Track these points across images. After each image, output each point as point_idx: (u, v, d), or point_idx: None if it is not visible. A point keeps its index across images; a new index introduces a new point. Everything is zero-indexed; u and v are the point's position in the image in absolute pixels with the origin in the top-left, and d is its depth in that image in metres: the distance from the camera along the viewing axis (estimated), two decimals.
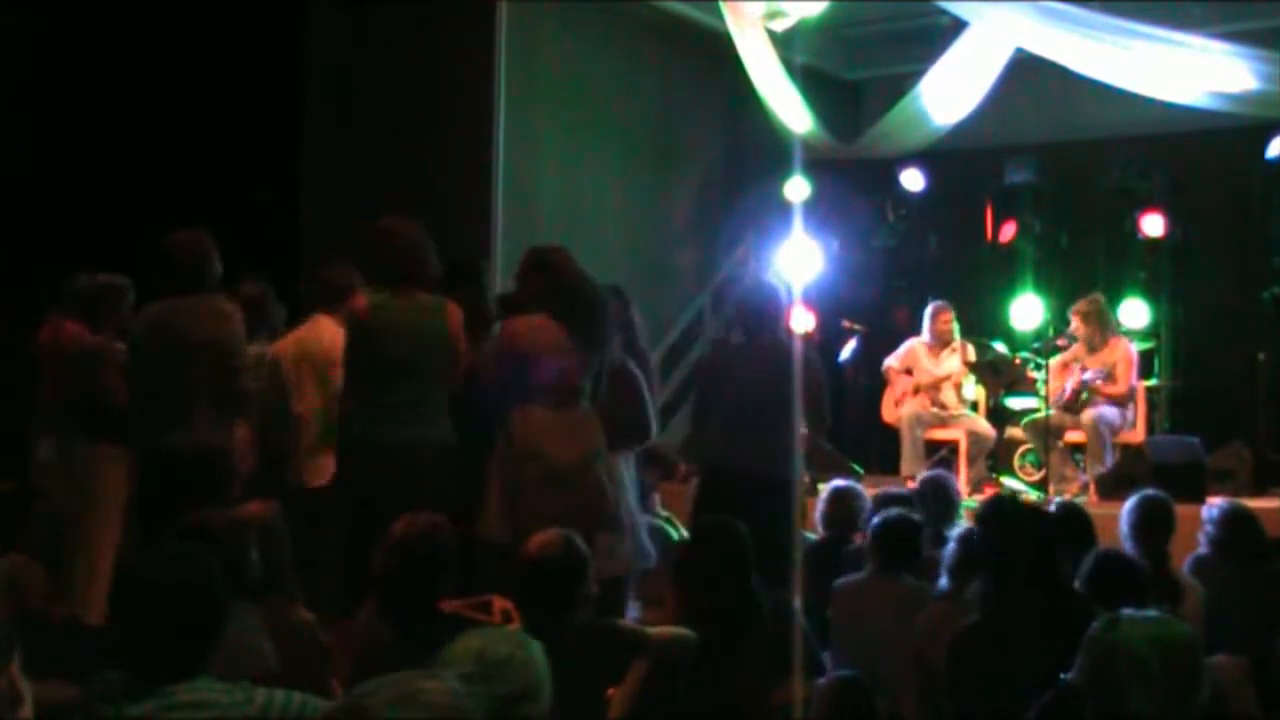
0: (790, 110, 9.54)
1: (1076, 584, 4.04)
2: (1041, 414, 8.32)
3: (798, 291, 9.50)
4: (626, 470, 5.38)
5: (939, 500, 5.71)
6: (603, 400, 5.11)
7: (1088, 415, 8.31)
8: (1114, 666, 2.65)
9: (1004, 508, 4.19)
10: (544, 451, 4.86)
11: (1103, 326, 8.57)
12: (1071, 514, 5.14)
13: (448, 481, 4.88)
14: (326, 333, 5.85)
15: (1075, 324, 8.54)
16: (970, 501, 7.13)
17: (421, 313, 5.09)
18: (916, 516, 5.14)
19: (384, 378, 5.04)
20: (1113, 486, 7.76)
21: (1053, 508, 5.32)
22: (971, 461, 8.59)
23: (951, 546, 4.52)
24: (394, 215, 5.32)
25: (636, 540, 5.25)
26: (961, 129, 9.43)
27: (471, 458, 5.05)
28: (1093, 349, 8.51)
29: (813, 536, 5.94)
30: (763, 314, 5.87)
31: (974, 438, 8.62)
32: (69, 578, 5.78)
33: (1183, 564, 5.10)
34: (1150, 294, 9.69)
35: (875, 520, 5.01)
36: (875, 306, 10.35)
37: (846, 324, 9.68)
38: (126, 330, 5.91)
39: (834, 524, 5.80)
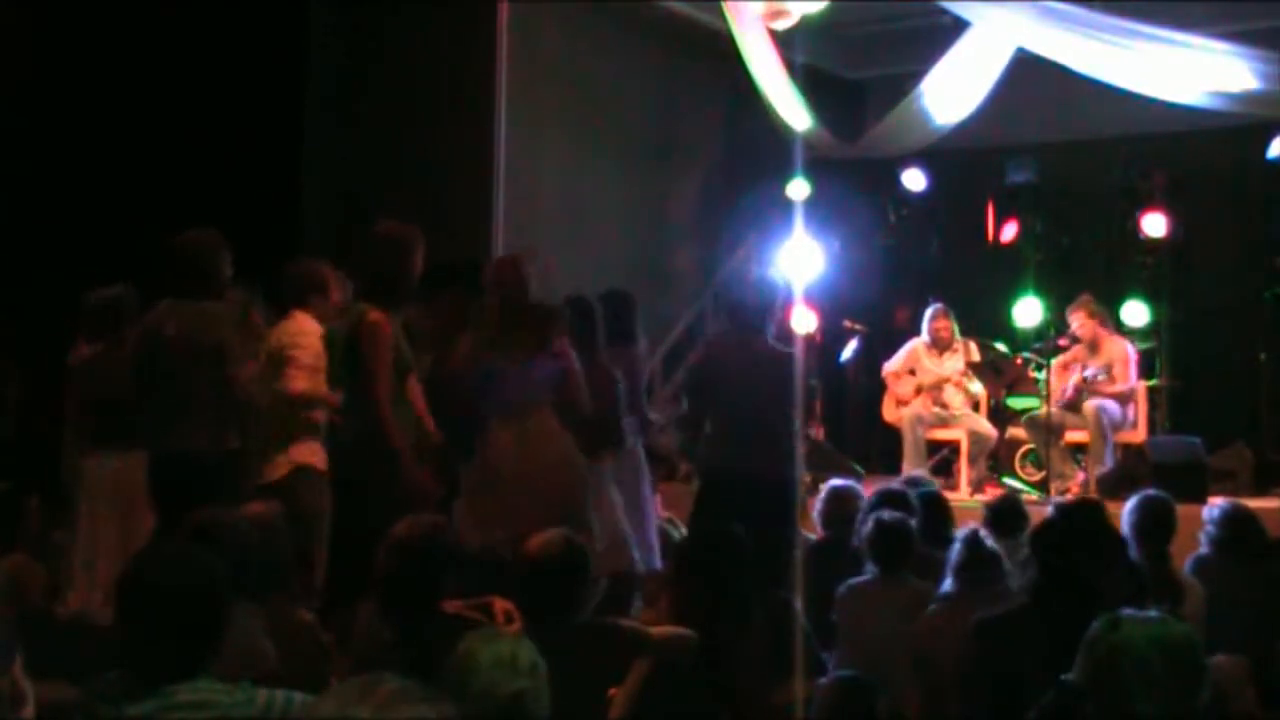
0: (792, 109, 9.53)
1: None
2: (1042, 409, 8.32)
3: (799, 291, 9.50)
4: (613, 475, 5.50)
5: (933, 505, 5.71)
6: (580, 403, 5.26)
7: (1090, 406, 8.32)
8: (1116, 667, 2.65)
9: (1079, 512, 4.12)
10: (508, 465, 5.13)
11: (1103, 325, 8.60)
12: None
13: (388, 483, 4.93)
14: (296, 326, 5.87)
15: (1081, 322, 8.54)
16: (972, 502, 7.12)
17: (348, 321, 5.23)
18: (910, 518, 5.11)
19: (341, 382, 5.31)
20: (1114, 486, 7.76)
21: (1049, 509, 5.29)
22: (972, 462, 8.58)
23: (957, 548, 4.51)
24: (387, 222, 5.36)
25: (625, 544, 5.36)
26: (963, 129, 9.42)
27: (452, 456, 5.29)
28: (1095, 348, 8.52)
29: (813, 537, 5.93)
30: (757, 313, 5.83)
31: (975, 438, 8.61)
32: (84, 582, 5.79)
33: (1183, 564, 5.10)
34: (1150, 294, 9.69)
35: (868, 524, 4.94)
36: (876, 306, 10.36)
37: (848, 324, 9.67)
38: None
39: (834, 523, 5.77)
